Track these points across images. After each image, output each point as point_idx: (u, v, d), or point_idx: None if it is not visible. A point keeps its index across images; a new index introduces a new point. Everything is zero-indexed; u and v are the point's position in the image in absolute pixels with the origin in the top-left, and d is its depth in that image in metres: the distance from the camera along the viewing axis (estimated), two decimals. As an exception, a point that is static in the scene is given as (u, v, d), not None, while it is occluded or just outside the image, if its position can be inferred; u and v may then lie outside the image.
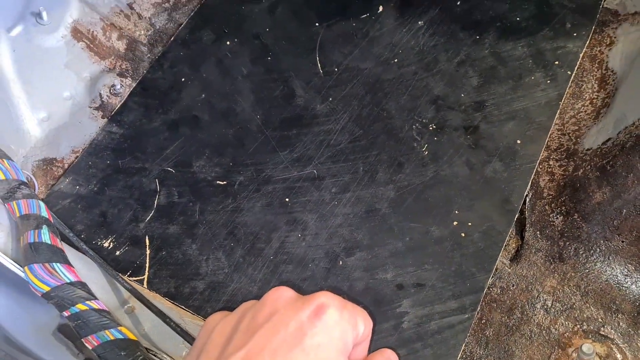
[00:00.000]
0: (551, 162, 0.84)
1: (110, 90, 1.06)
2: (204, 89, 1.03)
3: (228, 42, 1.09)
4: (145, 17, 1.14)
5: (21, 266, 0.67)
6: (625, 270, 0.73)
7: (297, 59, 1.04)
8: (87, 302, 0.64)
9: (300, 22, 1.09)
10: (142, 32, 1.13)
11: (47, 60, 1.03)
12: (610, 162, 0.75)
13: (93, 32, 1.08)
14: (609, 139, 0.79)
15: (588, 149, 0.81)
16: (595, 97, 0.89)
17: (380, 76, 0.99)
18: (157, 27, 1.14)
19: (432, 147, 0.89)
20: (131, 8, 1.13)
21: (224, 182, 0.92)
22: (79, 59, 1.06)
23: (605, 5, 0.97)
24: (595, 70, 0.91)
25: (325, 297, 0.41)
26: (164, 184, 0.92)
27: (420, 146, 0.90)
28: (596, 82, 0.90)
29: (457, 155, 0.87)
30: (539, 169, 0.83)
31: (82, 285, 0.66)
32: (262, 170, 0.92)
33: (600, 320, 0.72)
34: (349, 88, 0.99)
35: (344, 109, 0.96)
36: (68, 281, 0.65)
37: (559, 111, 0.88)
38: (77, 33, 1.06)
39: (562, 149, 0.84)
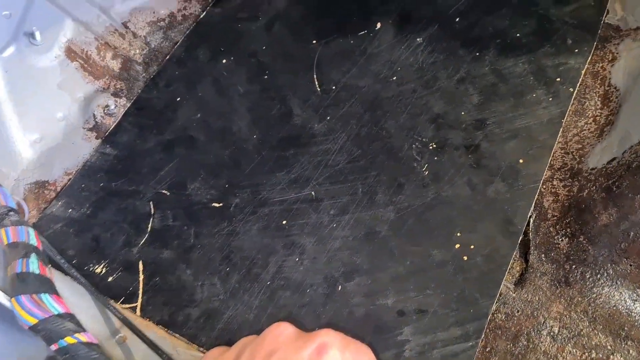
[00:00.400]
0: (555, 182, 0.81)
1: (104, 110, 1.04)
2: (200, 108, 1.01)
3: (224, 61, 1.07)
4: (140, 36, 1.12)
5: (8, 297, 0.64)
6: (634, 295, 0.71)
7: (294, 77, 1.02)
8: (76, 334, 0.62)
9: (297, 40, 1.07)
10: (137, 51, 1.11)
11: (40, 81, 1.01)
12: (616, 183, 0.73)
13: (87, 51, 1.07)
14: (614, 159, 0.77)
15: (593, 169, 0.79)
16: (599, 114, 0.87)
17: (379, 94, 0.97)
18: (153, 45, 1.12)
19: (433, 167, 0.87)
20: (126, 27, 1.12)
21: (220, 205, 0.89)
22: (72, 79, 1.04)
23: (606, 21, 0.96)
24: (598, 86, 0.90)
25: (327, 336, 0.39)
26: (158, 207, 0.90)
27: (421, 166, 0.87)
28: (599, 99, 0.88)
29: (459, 175, 0.85)
30: (542, 189, 0.81)
31: (70, 317, 0.63)
32: (259, 192, 0.90)
33: (609, 347, 0.69)
34: (347, 107, 0.97)
35: (342, 128, 0.94)
36: (56, 313, 0.62)
37: (561, 129, 0.85)
38: (70, 53, 1.05)
39: (565, 168, 0.82)
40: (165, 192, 0.92)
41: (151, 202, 0.91)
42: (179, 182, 0.93)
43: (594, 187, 0.76)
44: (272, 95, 1.01)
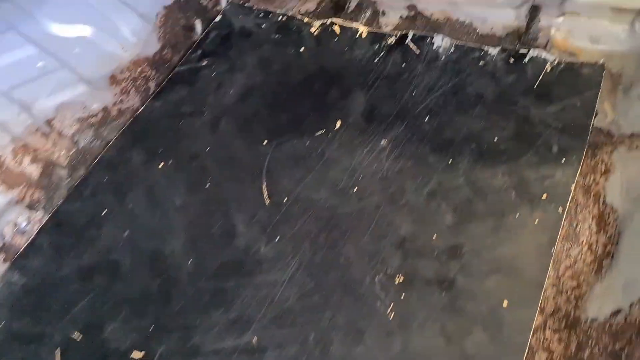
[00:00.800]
0: (548, 333, 0.67)
1: (15, 227, 0.88)
2: (128, 224, 0.86)
3: (161, 164, 0.93)
4: (66, 135, 0.98)
5: None
6: None
7: (240, 186, 0.88)
8: None
9: (246, 140, 0.94)
10: (62, 152, 0.96)
11: (-61, 195, 0.86)
12: (626, 350, 0.58)
13: (0, 156, 0.92)
14: (620, 311, 0.62)
15: (593, 320, 0.65)
16: (594, 240, 0.73)
17: (336, 210, 0.83)
18: (81, 146, 0.98)
19: (400, 308, 0.72)
20: (50, 125, 0.97)
21: (141, 354, 0.73)
22: (-20, 190, 0.89)
23: (596, 124, 0.84)
24: (591, 205, 0.76)
25: None
26: (66, 357, 0.74)
27: (385, 306, 0.72)
28: (593, 221, 0.75)
29: (430, 320, 0.70)
30: (532, 342, 0.66)
31: None
32: (190, 336, 0.74)
33: None
34: (300, 224, 0.82)
35: (293, 251, 0.80)
36: None
37: (552, 261, 0.72)
38: (-21, 159, 0.90)
39: (560, 314, 0.68)
40: (77, 335, 0.75)
41: (58, 350, 0.74)
42: (95, 323, 0.76)
43: (598, 349, 0.61)
44: (213, 208, 0.86)
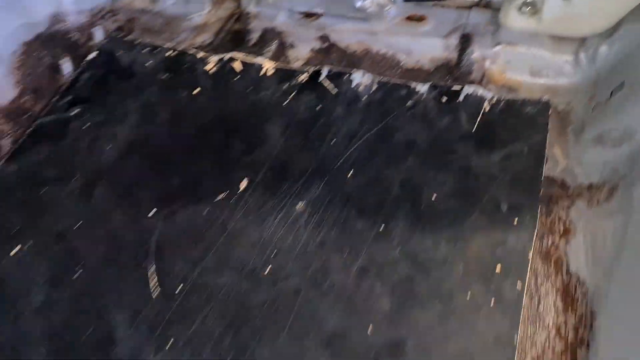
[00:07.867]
0: None
1: None
2: (-34, 337, 0.64)
3: (17, 248, 0.72)
4: None
5: None
6: None
7: (121, 274, 0.68)
8: None
9: (128, 211, 0.74)
10: None
11: None
12: None
13: None
14: None
15: None
16: (562, 322, 0.60)
17: (245, 299, 0.65)
18: None
19: None
20: None
21: None
22: None
23: (547, 174, 0.71)
24: (553, 275, 0.63)
25: None
26: None
27: None
28: (558, 295, 0.62)
29: None
30: None
31: None
32: None
33: None
34: (199, 322, 0.64)
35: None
36: None
37: (517, 353, 0.57)
38: None
39: None
40: None
41: None
42: None
43: None
44: (84, 305, 0.66)
